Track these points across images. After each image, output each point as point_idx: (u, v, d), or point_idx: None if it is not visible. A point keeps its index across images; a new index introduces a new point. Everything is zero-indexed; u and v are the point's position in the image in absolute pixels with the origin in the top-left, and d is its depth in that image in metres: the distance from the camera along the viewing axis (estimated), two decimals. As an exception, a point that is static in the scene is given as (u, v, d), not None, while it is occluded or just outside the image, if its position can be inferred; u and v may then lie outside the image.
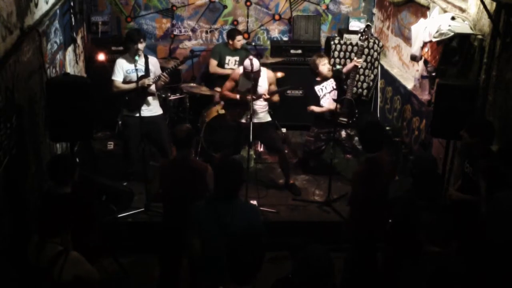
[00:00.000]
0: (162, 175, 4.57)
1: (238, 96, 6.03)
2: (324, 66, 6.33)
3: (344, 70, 6.36)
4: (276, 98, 6.21)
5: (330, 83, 6.38)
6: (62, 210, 3.46)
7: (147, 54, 6.21)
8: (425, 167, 4.44)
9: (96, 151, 6.98)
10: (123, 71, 5.95)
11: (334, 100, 6.29)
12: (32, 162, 4.83)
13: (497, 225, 3.83)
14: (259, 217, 3.90)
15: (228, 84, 6.19)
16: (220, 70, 7.42)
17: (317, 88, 6.40)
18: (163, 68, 6.24)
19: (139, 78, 5.85)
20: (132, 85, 5.86)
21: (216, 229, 3.57)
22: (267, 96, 6.02)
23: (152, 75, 5.99)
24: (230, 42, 7.45)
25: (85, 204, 4.24)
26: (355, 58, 6.39)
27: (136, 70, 5.75)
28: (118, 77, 5.95)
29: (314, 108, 6.40)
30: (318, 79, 6.39)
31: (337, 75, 6.30)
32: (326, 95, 6.41)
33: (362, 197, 4.48)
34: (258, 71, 5.92)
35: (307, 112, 6.48)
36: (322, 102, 6.40)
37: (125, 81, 5.96)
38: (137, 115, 5.75)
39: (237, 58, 7.40)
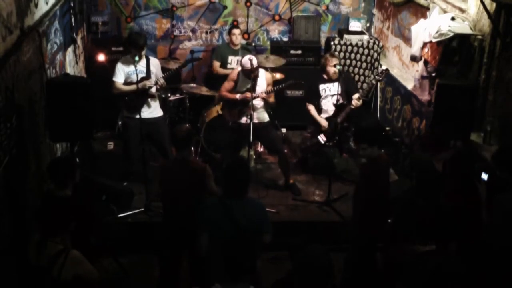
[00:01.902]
0: (162, 175, 4.58)
1: (238, 96, 6.03)
2: (331, 67, 6.26)
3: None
4: (272, 99, 6.18)
5: (336, 87, 6.15)
6: (62, 211, 3.46)
7: (148, 55, 6.18)
8: (423, 168, 4.45)
9: (96, 151, 6.98)
10: (124, 72, 5.91)
11: (334, 105, 6.24)
12: (32, 162, 4.83)
13: (499, 226, 3.83)
14: (267, 214, 3.92)
15: (227, 84, 6.19)
16: (222, 71, 7.41)
17: (321, 86, 6.37)
18: (163, 69, 6.24)
19: (140, 80, 5.84)
20: (133, 87, 5.82)
21: (227, 226, 3.60)
22: (264, 95, 5.99)
23: (153, 77, 5.97)
24: (228, 38, 7.48)
25: (85, 204, 4.24)
26: (355, 97, 6.11)
27: (136, 71, 5.74)
28: (118, 78, 5.93)
29: (312, 110, 6.37)
30: (324, 76, 6.36)
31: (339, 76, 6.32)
32: (328, 97, 6.36)
33: (365, 197, 4.48)
34: (257, 70, 5.91)
35: (306, 111, 6.47)
36: (322, 103, 6.38)
37: (126, 83, 5.94)
38: (138, 116, 5.75)
39: (239, 58, 7.38)
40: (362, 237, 4.56)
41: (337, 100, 6.12)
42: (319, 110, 6.43)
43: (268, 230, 3.77)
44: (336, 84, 6.21)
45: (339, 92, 6.09)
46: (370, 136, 4.51)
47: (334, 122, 6.24)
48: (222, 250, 3.00)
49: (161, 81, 5.96)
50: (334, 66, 6.23)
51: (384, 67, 6.56)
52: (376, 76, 6.18)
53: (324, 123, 6.31)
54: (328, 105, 6.36)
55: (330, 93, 6.35)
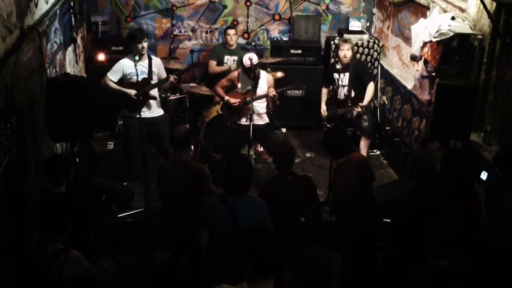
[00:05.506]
0: (160, 176, 4.58)
1: (226, 98, 6.06)
2: (341, 51, 6.39)
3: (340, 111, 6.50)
4: (277, 101, 6.16)
5: (347, 77, 6.43)
6: (56, 208, 3.46)
7: (148, 54, 6.16)
8: (425, 168, 4.44)
9: (96, 151, 6.98)
10: (123, 72, 5.88)
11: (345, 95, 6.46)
12: (32, 162, 4.83)
13: (500, 227, 3.83)
14: (268, 212, 3.91)
15: (225, 81, 6.18)
16: (218, 69, 7.42)
17: (335, 75, 6.49)
18: (167, 70, 6.23)
19: (142, 81, 5.81)
20: (119, 88, 5.80)
21: (227, 224, 3.59)
22: (274, 94, 5.88)
23: (155, 77, 5.95)
24: (225, 38, 7.49)
25: (81, 202, 4.24)
26: (360, 105, 6.36)
27: (137, 71, 5.70)
28: (112, 75, 5.86)
29: (323, 94, 6.71)
30: (338, 66, 6.43)
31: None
32: (341, 87, 6.50)
33: (341, 201, 4.47)
34: (259, 70, 5.89)
35: (308, 111, 6.53)
36: (338, 91, 6.52)
37: (128, 83, 5.87)
38: (138, 116, 5.73)
39: (235, 57, 7.39)
40: (353, 238, 4.52)
41: (347, 93, 6.38)
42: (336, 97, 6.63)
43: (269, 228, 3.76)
44: (347, 74, 6.43)
45: (348, 82, 6.38)
46: (338, 152, 4.58)
47: (335, 110, 6.47)
48: (242, 251, 2.90)
49: (174, 77, 5.91)
50: (333, 64, 6.36)
51: (385, 100, 6.84)
52: (375, 101, 6.77)
53: (323, 108, 6.70)
54: (342, 94, 6.53)
55: (342, 83, 6.49)
